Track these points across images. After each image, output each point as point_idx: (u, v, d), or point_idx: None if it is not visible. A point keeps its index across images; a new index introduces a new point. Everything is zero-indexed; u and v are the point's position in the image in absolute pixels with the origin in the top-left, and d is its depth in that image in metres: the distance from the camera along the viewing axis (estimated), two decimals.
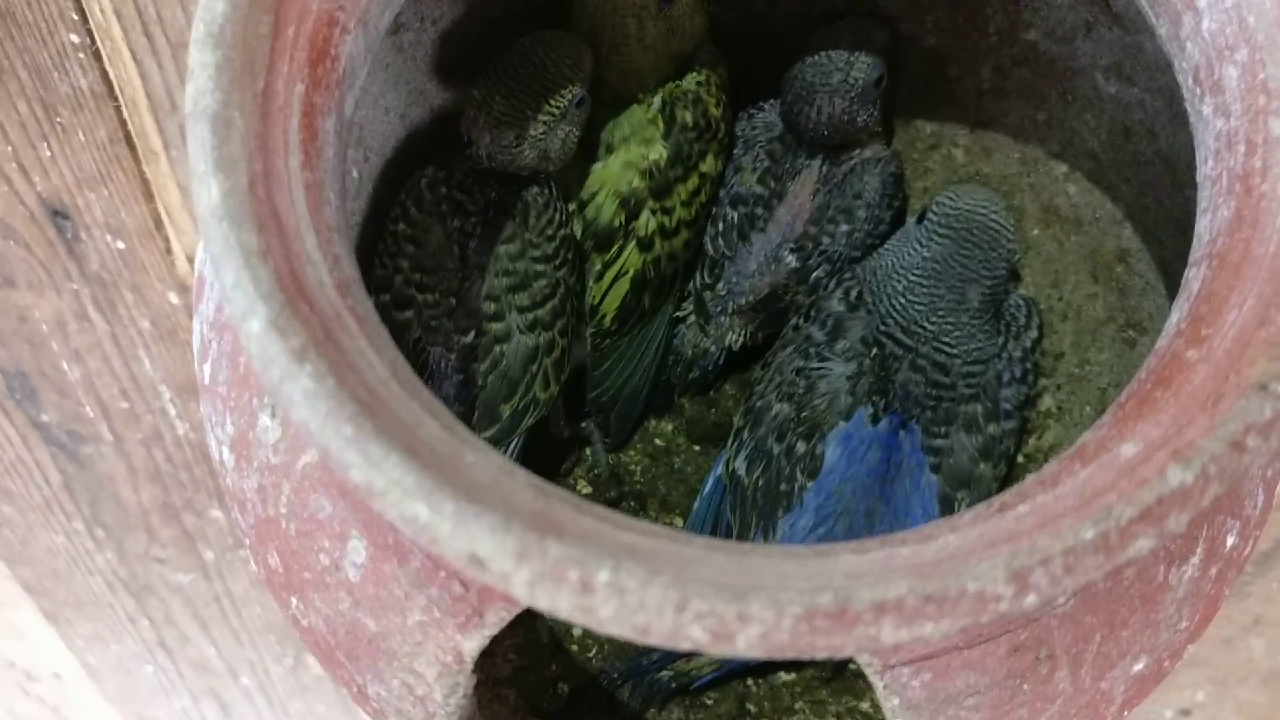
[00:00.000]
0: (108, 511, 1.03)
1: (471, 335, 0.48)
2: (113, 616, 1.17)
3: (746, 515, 0.50)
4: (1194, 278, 0.31)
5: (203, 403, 0.38)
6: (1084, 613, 0.32)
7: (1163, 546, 0.32)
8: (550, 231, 0.49)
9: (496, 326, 0.48)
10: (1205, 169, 0.33)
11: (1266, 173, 0.30)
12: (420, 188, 0.49)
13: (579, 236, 0.51)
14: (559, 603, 0.25)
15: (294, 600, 0.35)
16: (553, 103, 0.47)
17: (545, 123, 0.47)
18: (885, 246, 0.53)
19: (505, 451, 0.49)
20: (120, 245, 0.77)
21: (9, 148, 0.71)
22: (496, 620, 0.32)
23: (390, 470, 0.25)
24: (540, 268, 0.49)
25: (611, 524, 0.27)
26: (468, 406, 0.48)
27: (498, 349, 0.48)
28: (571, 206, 0.51)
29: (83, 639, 1.22)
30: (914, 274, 0.52)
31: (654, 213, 0.52)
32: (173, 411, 0.91)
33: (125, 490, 1.00)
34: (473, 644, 0.32)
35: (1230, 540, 0.35)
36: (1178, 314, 0.31)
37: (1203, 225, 0.32)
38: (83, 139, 0.70)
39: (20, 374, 0.89)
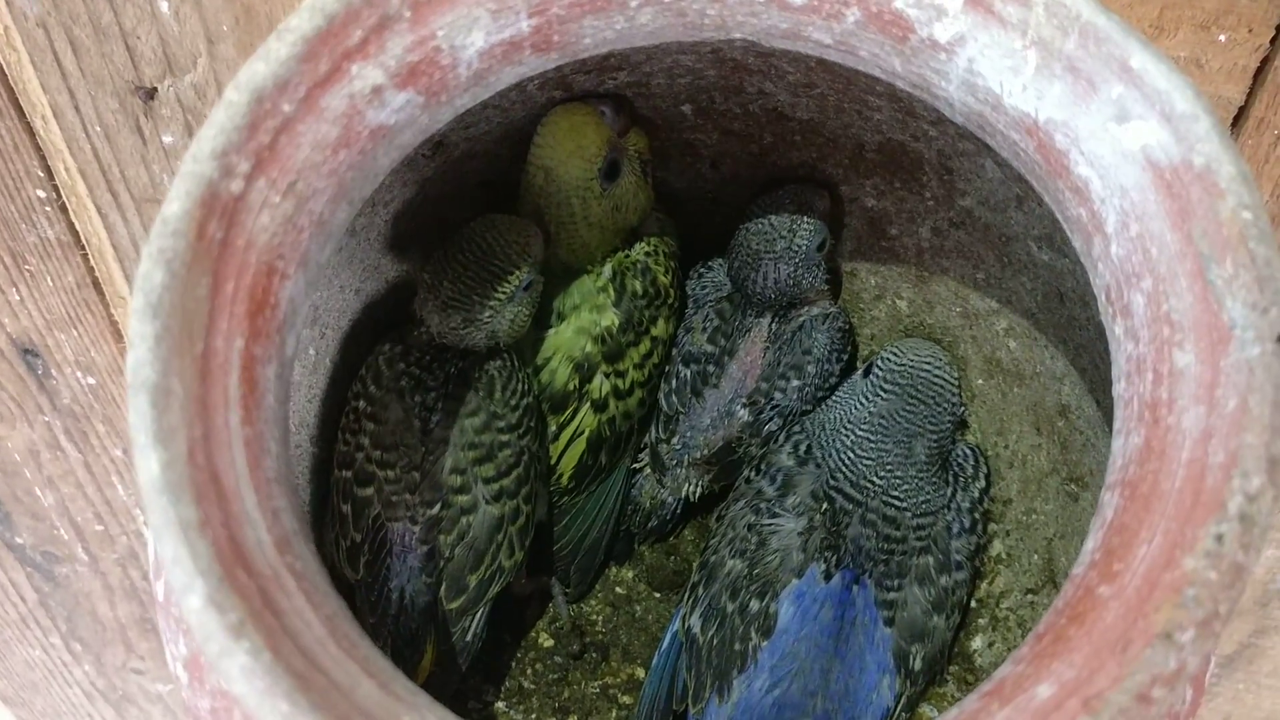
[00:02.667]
0: (84, 626, 1.03)
1: (437, 508, 0.49)
2: None
3: (702, 675, 0.51)
4: (1108, 504, 0.32)
5: (158, 616, 0.38)
6: None
7: None
8: (515, 402, 0.50)
9: (462, 499, 0.49)
10: (1119, 388, 0.34)
11: (1172, 405, 0.31)
12: (378, 364, 0.50)
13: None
14: None
15: None
16: (499, 288, 0.48)
17: (492, 307, 0.48)
18: (833, 399, 0.55)
19: (473, 620, 0.50)
20: (91, 381, 0.78)
21: None
22: None
23: None
24: (505, 438, 0.50)
25: None
26: (434, 578, 0.49)
27: (464, 520, 0.49)
28: (526, 371, 0.53)
29: None
30: (861, 429, 0.53)
31: (607, 376, 0.53)
32: (148, 533, 0.91)
33: (102, 606, 1.00)
34: None
35: None
36: (1092, 541, 0.32)
37: (1117, 447, 0.33)
38: (51, 284, 0.71)
39: None
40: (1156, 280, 0.32)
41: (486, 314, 0.48)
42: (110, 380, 0.78)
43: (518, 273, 0.48)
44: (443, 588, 0.49)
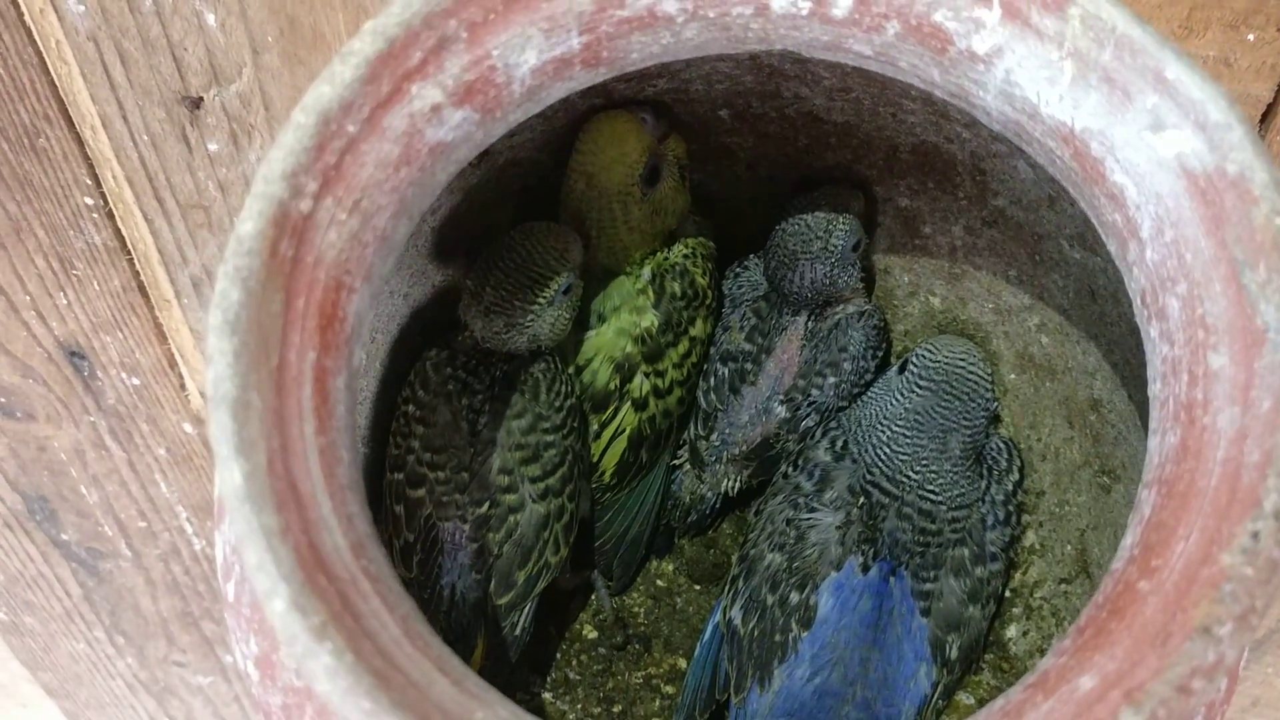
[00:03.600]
0: (127, 620, 1.05)
1: (486, 506, 0.50)
2: (134, 717, 1.19)
3: (743, 665, 0.52)
4: (1145, 501, 0.33)
5: (227, 615, 0.40)
6: None
7: None
8: (559, 403, 0.52)
9: (510, 498, 0.51)
10: (1155, 388, 0.35)
11: (1208, 405, 0.32)
12: (426, 370, 0.51)
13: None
14: None
15: None
16: (540, 293, 0.49)
17: (534, 311, 0.50)
18: (868, 395, 0.56)
19: (521, 615, 0.52)
20: (135, 382, 0.80)
21: (28, 297, 0.74)
22: None
23: None
24: (550, 438, 0.51)
25: None
26: (484, 575, 0.51)
27: (512, 519, 0.51)
28: (569, 371, 0.54)
29: None
30: (897, 425, 0.54)
31: (647, 375, 0.54)
32: (189, 529, 0.93)
33: (144, 601, 1.02)
34: None
35: None
36: (1131, 537, 0.33)
37: (1154, 446, 0.34)
38: (97, 288, 0.73)
39: (40, 498, 0.92)
40: (1191, 285, 0.34)
41: (528, 318, 0.50)
42: (154, 381, 0.80)
43: (557, 278, 0.50)
44: (492, 584, 0.50)
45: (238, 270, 0.32)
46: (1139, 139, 0.35)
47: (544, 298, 0.50)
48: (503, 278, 0.49)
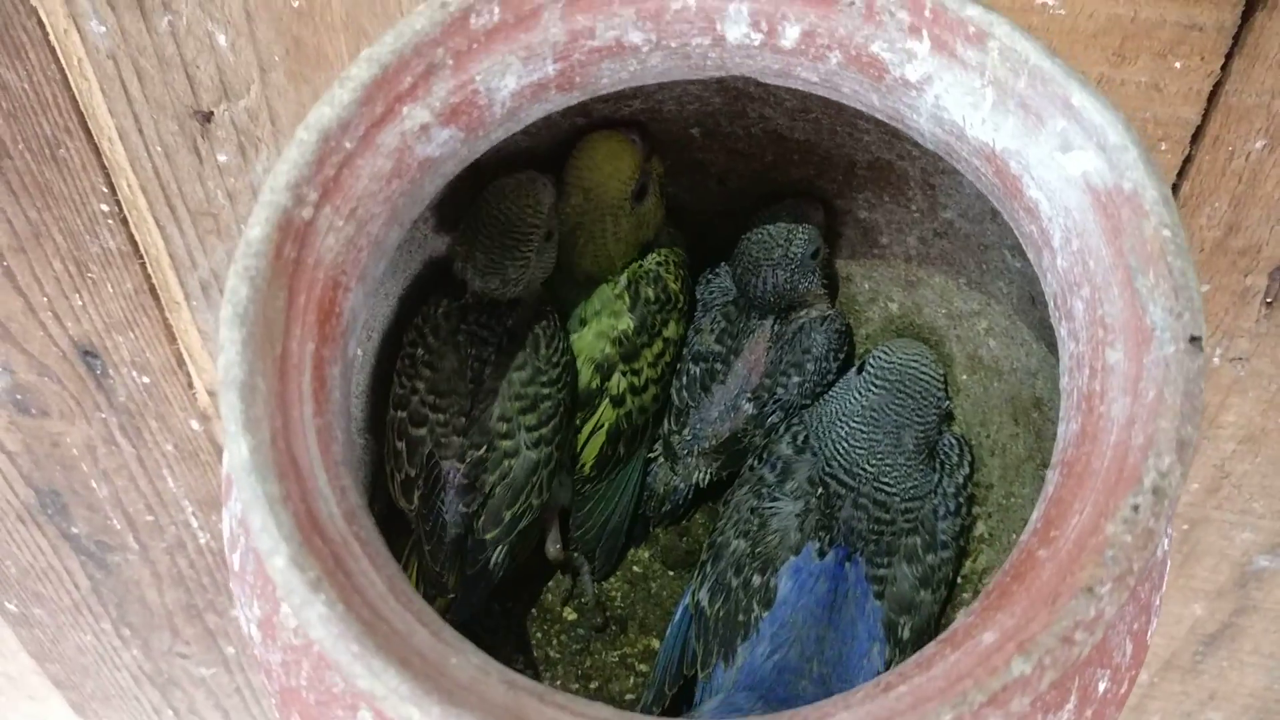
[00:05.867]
0: (134, 613, 1.08)
1: (484, 450, 0.55)
2: (138, 708, 1.22)
3: (709, 643, 0.56)
4: (1050, 481, 0.37)
5: (233, 583, 0.44)
6: None
7: (1037, 698, 0.39)
8: (555, 359, 0.56)
9: (507, 444, 0.55)
10: (1063, 382, 0.39)
11: (1104, 395, 0.37)
12: (437, 319, 0.56)
13: None
14: None
15: None
16: (525, 249, 0.54)
17: (523, 263, 0.55)
18: (829, 395, 0.60)
19: (500, 551, 0.56)
20: (145, 380, 0.83)
21: (45, 298, 0.78)
22: None
23: (388, 680, 0.32)
24: (546, 391, 0.56)
25: (570, 713, 0.33)
26: (471, 511, 0.55)
27: (506, 463, 0.55)
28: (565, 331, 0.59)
29: None
30: (854, 421, 0.58)
31: (624, 374, 0.58)
32: (195, 523, 0.97)
33: (150, 593, 1.05)
34: None
35: (1102, 685, 0.41)
36: (1036, 513, 0.37)
37: (1061, 432, 0.38)
38: (111, 290, 0.77)
39: (53, 492, 0.95)
40: (1094, 288, 0.38)
41: (519, 270, 0.55)
42: (163, 379, 0.84)
43: (537, 231, 0.54)
44: (481, 519, 0.55)
45: (246, 269, 0.36)
46: (1050, 158, 0.39)
47: (530, 250, 0.54)
48: (489, 242, 0.54)
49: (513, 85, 0.42)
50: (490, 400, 0.55)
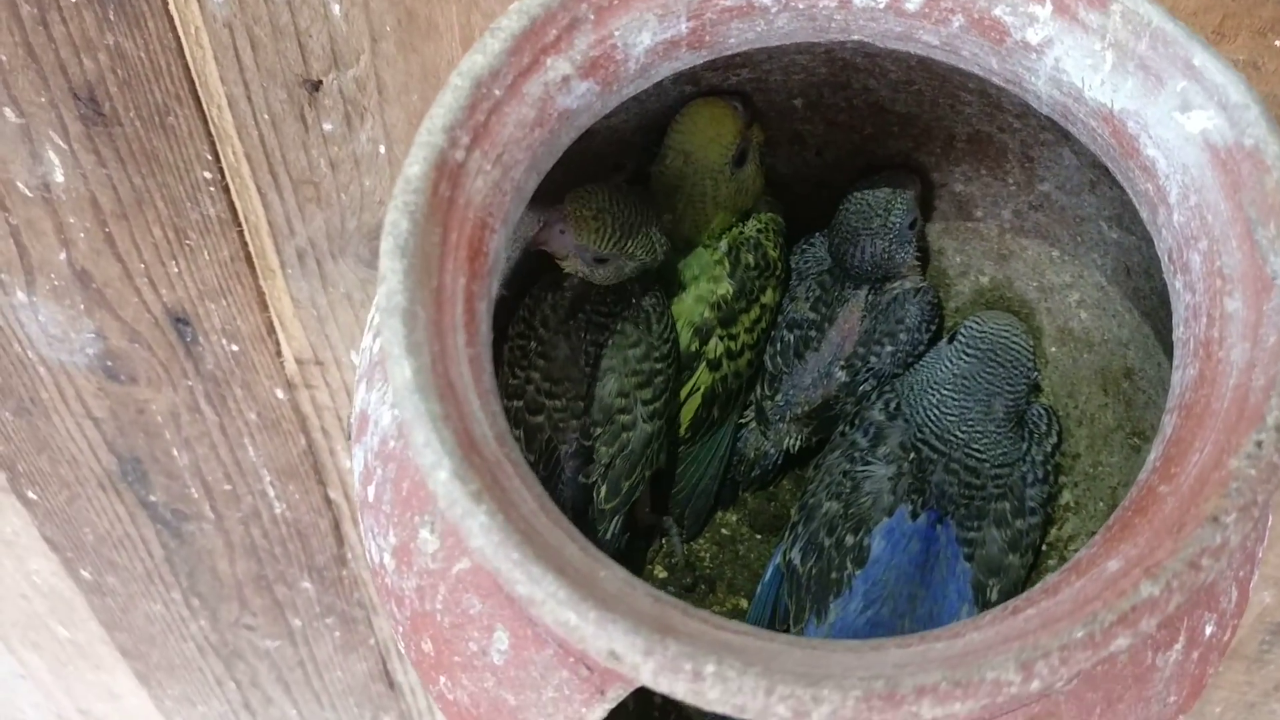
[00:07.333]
0: (204, 583, 1.10)
1: (603, 427, 0.57)
2: (202, 679, 1.24)
3: (802, 600, 0.58)
4: (1168, 424, 0.39)
5: (363, 516, 0.46)
6: (1085, 690, 0.40)
7: (1148, 636, 0.40)
8: (666, 335, 0.59)
9: (624, 418, 0.58)
10: (1179, 332, 0.41)
11: (1223, 342, 0.38)
12: (545, 311, 0.58)
13: None
14: (676, 687, 0.33)
15: (443, 679, 0.43)
16: (636, 246, 0.56)
17: (629, 257, 0.57)
18: (920, 363, 0.62)
19: (616, 521, 0.59)
20: (234, 348, 0.86)
21: (142, 265, 0.80)
22: (615, 695, 0.40)
23: (547, 586, 0.34)
24: (659, 365, 0.58)
25: (712, 625, 0.35)
26: (591, 485, 0.58)
27: (625, 435, 0.58)
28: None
29: (172, 700, 1.29)
30: (945, 389, 0.60)
31: (721, 338, 0.60)
32: (272, 493, 0.99)
33: (222, 564, 1.08)
34: (595, 714, 0.40)
35: (1209, 629, 0.42)
36: (1155, 453, 0.39)
37: (1176, 379, 0.40)
38: (207, 258, 0.79)
39: (134, 459, 0.97)
40: (1211, 241, 0.39)
41: (626, 263, 0.57)
42: (251, 348, 0.86)
43: (649, 233, 0.56)
44: (603, 491, 0.57)
45: (406, 204, 0.38)
46: (1169, 118, 0.41)
47: (642, 249, 0.57)
48: (604, 240, 0.56)
49: (648, 41, 0.43)
50: (608, 378, 0.58)
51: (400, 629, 0.45)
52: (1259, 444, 0.35)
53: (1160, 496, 0.37)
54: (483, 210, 0.40)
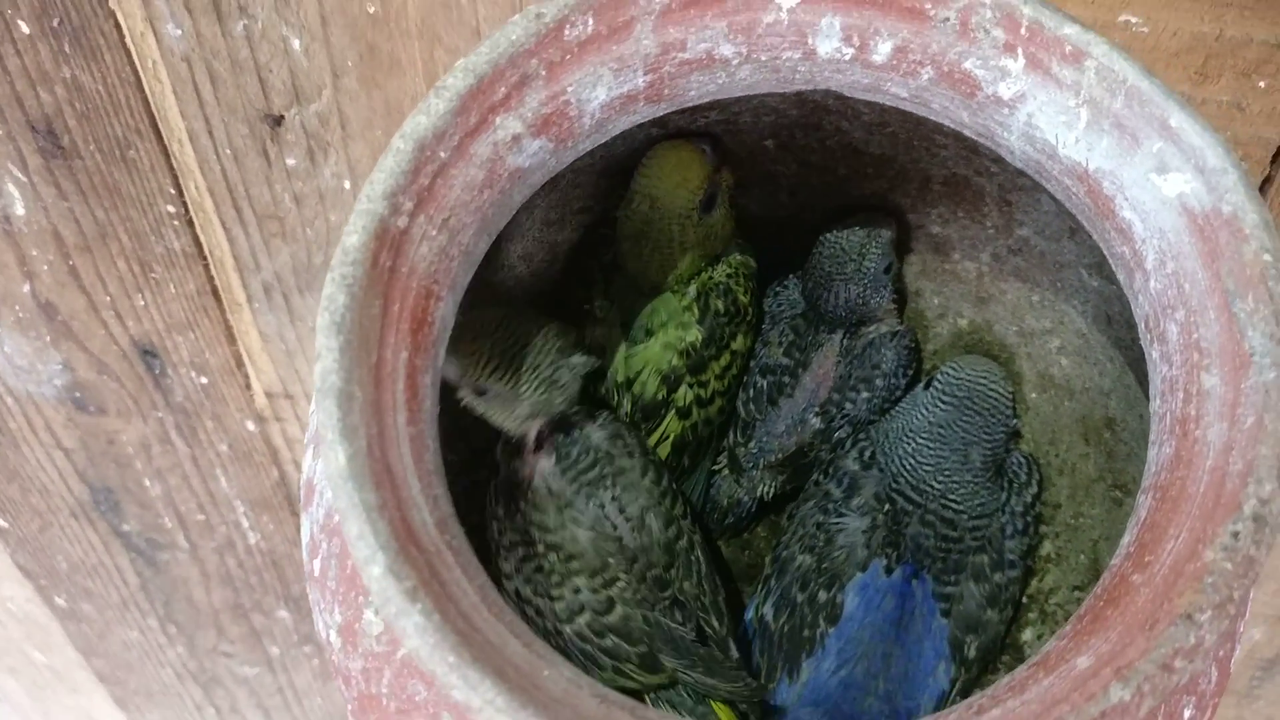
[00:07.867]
0: (180, 610, 1.09)
1: (675, 565, 0.54)
2: (181, 705, 1.23)
3: (774, 657, 0.56)
4: (1143, 505, 0.37)
5: (310, 590, 0.44)
6: None
7: None
8: (645, 443, 0.56)
9: (683, 543, 0.55)
10: (1155, 405, 0.39)
11: (1200, 420, 0.36)
12: (545, 490, 0.53)
13: (628, 412, 0.58)
14: None
15: None
16: (525, 383, 0.51)
17: (520, 393, 0.51)
18: (895, 410, 0.60)
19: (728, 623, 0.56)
20: (203, 380, 0.84)
21: (108, 297, 0.78)
22: None
23: (485, 692, 0.32)
24: (666, 475, 0.56)
25: None
26: (702, 616, 0.55)
27: (691, 557, 0.55)
28: (620, 381, 0.58)
29: None
30: (921, 437, 0.58)
31: (691, 386, 0.58)
32: (245, 524, 0.97)
33: (198, 592, 1.06)
34: None
35: (1188, 714, 0.40)
36: (1128, 537, 0.37)
37: (1152, 456, 0.38)
38: (173, 291, 0.78)
39: (106, 489, 0.96)
40: (1189, 312, 0.38)
41: (518, 403, 0.52)
42: (220, 380, 0.84)
43: (540, 366, 0.52)
44: (712, 621, 0.55)
45: (344, 277, 0.36)
46: (1146, 180, 0.39)
47: (530, 384, 0.51)
48: (479, 369, 0.50)
49: (603, 96, 0.42)
50: (648, 518, 0.54)
51: (350, 706, 0.43)
52: (1235, 535, 0.33)
53: (1133, 586, 0.35)
54: (427, 278, 0.38)
